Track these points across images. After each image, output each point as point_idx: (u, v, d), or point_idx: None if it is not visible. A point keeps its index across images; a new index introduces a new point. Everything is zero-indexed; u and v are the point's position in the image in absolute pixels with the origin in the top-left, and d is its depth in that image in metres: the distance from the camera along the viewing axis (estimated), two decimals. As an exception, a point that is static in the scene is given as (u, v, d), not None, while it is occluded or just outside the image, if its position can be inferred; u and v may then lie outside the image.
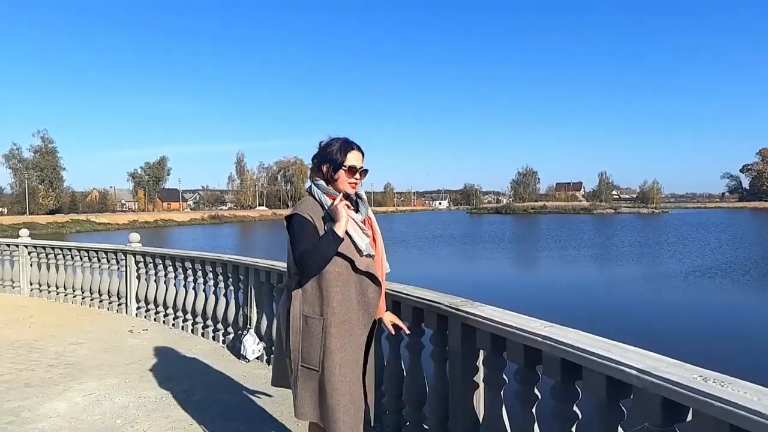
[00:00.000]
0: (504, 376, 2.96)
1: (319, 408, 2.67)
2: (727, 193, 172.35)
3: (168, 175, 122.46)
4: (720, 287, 21.74)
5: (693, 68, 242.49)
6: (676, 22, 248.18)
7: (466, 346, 3.13)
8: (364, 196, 2.86)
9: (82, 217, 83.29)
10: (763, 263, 29.60)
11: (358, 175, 2.75)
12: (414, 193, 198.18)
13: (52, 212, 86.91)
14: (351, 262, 2.64)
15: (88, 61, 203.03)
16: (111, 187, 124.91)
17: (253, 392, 4.86)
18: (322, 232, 2.61)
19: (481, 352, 3.13)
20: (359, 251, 2.66)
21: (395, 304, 3.75)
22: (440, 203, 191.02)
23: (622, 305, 18.14)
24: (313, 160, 2.82)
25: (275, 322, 5.47)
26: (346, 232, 2.63)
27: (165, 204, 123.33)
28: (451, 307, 3.17)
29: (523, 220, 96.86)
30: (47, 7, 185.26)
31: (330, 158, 2.71)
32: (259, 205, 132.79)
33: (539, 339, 2.49)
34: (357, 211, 2.77)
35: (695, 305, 18.26)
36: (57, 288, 9.57)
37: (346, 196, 2.75)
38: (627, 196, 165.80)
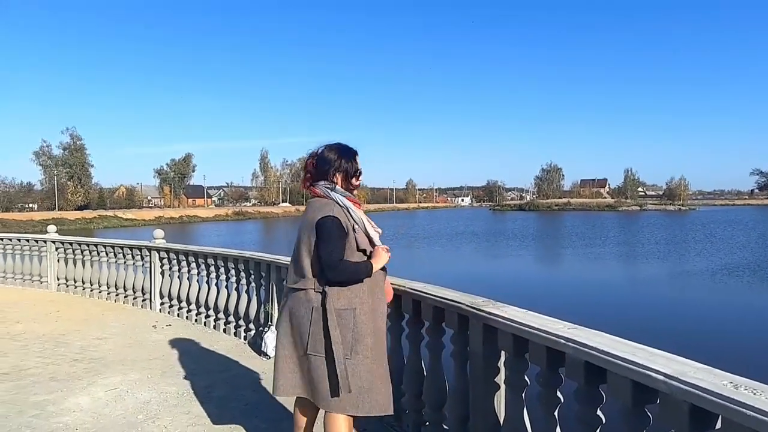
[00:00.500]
0: (526, 378, 2.91)
1: (354, 398, 2.84)
2: (756, 190, 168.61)
3: (193, 171, 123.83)
4: (749, 286, 21.30)
5: (721, 62, 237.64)
6: (703, 16, 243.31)
7: (488, 347, 3.08)
8: None
9: (110, 213, 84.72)
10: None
11: (361, 179, 3.10)
12: (436, 189, 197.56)
13: (80, 208, 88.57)
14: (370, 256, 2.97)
15: (116, 60, 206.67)
16: (138, 183, 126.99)
17: (274, 389, 4.87)
18: (350, 234, 2.86)
19: (503, 353, 3.08)
20: (374, 245, 2.99)
21: (415, 303, 3.71)
22: (462, 200, 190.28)
23: (647, 305, 17.81)
24: (314, 167, 3.02)
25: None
26: (365, 230, 2.95)
27: (190, 200, 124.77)
28: (472, 307, 3.12)
29: (546, 217, 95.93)
30: (74, 8, 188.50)
31: (341, 167, 2.97)
32: (283, 201, 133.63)
33: (562, 341, 2.43)
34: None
35: (724, 305, 17.89)
36: (83, 283, 9.72)
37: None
38: (653, 193, 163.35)
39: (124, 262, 9.01)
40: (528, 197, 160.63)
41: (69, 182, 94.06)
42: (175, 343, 6.45)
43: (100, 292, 9.37)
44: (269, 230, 68.38)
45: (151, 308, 8.40)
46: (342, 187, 2.97)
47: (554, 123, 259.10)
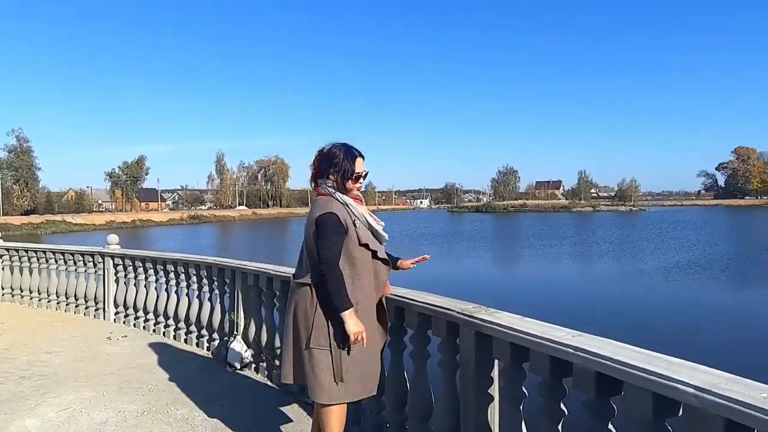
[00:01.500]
0: (524, 389, 2.72)
1: (344, 388, 2.95)
2: (703, 191, 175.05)
3: (146, 174, 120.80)
4: (700, 283, 21.89)
5: (670, 66, 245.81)
6: (655, 22, 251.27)
7: (480, 356, 2.88)
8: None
9: (58, 217, 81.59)
10: (742, 259, 29.97)
11: (362, 180, 3.11)
12: (395, 191, 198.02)
13: (27, 213, 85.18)
14: (374, 251, 3.03)
15: (65, 59, 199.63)
16: (88, 187, 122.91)
17: (243, 402, 4.57)
18: (351, 230, 2.94)
19: (497, 362, 2.89)
20: (380, 238, 3.09)
21: (399, 309, 3.49)
22: (421, 202, 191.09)
23: (605, 302, 18.08)
24: (317, 164, 3.09)
25: (264, 327, 5.23)
26: (369, 224, 3.04)
27: (143, 204, 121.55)
28: (463, 314, 2.92)
29: (503, 219, 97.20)
30: (22, 6, 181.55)
31: (339, 168, 3.01)
32: (239, 204, 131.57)
33: (570, 350, 2.25)
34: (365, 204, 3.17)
35: (678, 302, 18.27)
36: (31, 292, 9.14)
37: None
38: (605, 194, 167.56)
39: (75, 270, 8.50)
40: (485, 199, 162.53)
41: (15, 186, 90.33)
42: (133, 355, 6.06)
43: (49, 301, 8.81)
44: (227, 234, 67.09)
45: (105, 318, 7.93)
46: (336, 186, 3.02)
47: (510, 126, 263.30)
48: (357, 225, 2.97)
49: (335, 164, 3.00)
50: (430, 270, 26.44)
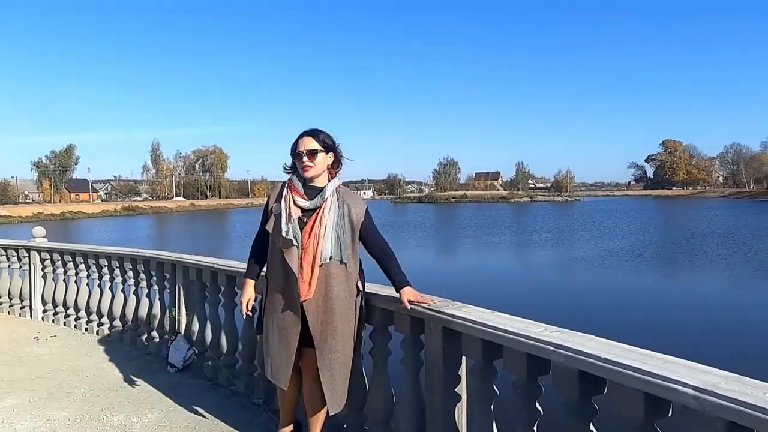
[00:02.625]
0: (495, 388, 2.57)
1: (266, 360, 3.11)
2: (633, 182, 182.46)
3: (76, 164, 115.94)
4: (635, 269, 22.72)
5: (603, 60, 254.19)
6: (589, 13, 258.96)
7: (448, 354, 2.72)
8: (330, 189, 2.96)
9: (-20, 209, 77.08)
10: (671, 245, 31.37)
11: (305, 158, 2.91)
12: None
13: (-57, 204, 79.98)
14: (276, 240, 2.94)
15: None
16: (13, 177, 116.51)
17: (186, 405, 4.25)
18: (272, 208, 3.00)
19: (465, 359, 2.73)
20: (278, 233, 2.91)
21: (359, 304, 3.27)
22: (365, 192, 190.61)
23: (555, 292, 18.44)
24: None
25: (208, 325, 4.91)
26: (280, 213, 2.94)
27: (73, 195, 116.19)
28: (429, 309, 2.74)
29: (445, 209, 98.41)
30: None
31: (291, 149, 3.01)
32: (177, 195, 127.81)
33: (550, 348, 2.10)
34: (311, 199, 2.94)
35: (620, 289, 18.84)
36: (-53, 290, 8.40)
37: (303, 182, 2.99)
38: (542, 185, 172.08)
39: (-3, 265, 7.86)
40: (427, 190, 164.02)
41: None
42: (63, 357, 5.60)
43: (-33, 299, 8.12)
44: (164, 226, 65.00)
45: (31, 317, 7.36)
46: (301, 171, 2.99)
47: (450, 118, 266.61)
48: (275, 209, 2.98)
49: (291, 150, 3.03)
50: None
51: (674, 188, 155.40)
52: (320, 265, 2.87)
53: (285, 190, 3.00)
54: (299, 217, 2.91)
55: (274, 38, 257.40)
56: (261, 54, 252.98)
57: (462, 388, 2.75)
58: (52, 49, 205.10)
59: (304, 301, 2.89)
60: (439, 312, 2.68)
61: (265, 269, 3.15)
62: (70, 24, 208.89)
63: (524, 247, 33.29)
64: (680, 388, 1.66)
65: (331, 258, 2.88)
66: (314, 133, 2.97)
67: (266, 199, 3.12)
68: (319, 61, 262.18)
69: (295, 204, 2.92)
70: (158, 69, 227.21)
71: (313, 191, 2.96)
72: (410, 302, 2.84)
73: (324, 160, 2.96)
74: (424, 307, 2.77)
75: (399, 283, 2.93)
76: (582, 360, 1.98)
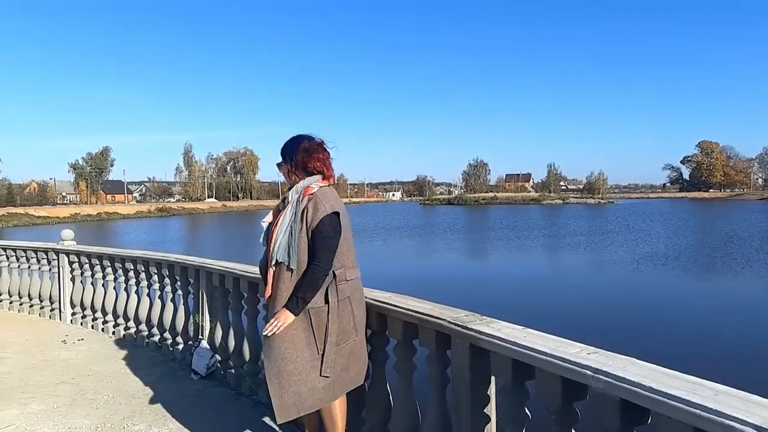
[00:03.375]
0: (527, 411, 2.40)
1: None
2: (668, 184, 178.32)
3: (112, 166, 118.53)
4: (672, 274, 22.06)
5: (636, 61, 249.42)
6: (620, 16, 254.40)
7: (476, 372, 2.55)
8: (293, 192, 2.94)
9: (20, 210, 79.21)
10: (708, 249, 30.46)
11: (279, 170, 3.08)
12: (367, 184, 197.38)
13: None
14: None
15: (26, 47, 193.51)
16: (51, 179, 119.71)
17: (208, 415, 4.16)
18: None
19: (494, 379, 2.56)
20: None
21: (380, 316, 3.14)
22: (393, 194, 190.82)
23: (585, 299, 18.01)
24: None
25: (231, 332, 4.82)
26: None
27: (109, 196, 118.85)
28: (455, 324, 2.58)
29: (475, 211, 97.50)
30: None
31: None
32: (209, 196, 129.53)
33: (588, 372, 1.92)
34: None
35: (652, 297, 18.31)
36: (-19, 292, 8.53)
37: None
38: (574, 187, 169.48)
39: (28, 267, 7.93)
40: (456, 192, 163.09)
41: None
42: (89, 361, 5.59)
43: (0, 301, 8.23)
44: (195, 227, 65.88)
45: (60, 319, 7.41)
46: (295, 175, 3.04)
47: (481, 119, 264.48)
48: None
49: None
50: (408, 266, 26.25)
51: (711, 190, 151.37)
52: (273, 266, 2.88)
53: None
54: (272, 222, 3.00)
55: (305, 40, 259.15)
56: (292, 55, 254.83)
57: (491, 409, 2.59)
58: (88, 53, 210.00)
59: (267, 302, 2.98)
60: (466, 327, 2.52)
61: None
62: (106, 28, 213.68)
63: (557, 251, 32.65)
64: (737, 425, 1.48)
65: (280, 261, 2.84)
66: (283, 146, 3.06)
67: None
68: (349, 62, 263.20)
69: (276, 209, 3.04)
70: (190, 72, 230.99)
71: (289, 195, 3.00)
72: (268, 326, 2.86)
73: (285, 169, 3.02)
74: (450, 322, 2.61)
75: (287, 304, 2.83)
76: (624, 387, 1.80)
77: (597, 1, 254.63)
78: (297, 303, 2.79)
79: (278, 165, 3.05)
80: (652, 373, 1.81)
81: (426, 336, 2.82)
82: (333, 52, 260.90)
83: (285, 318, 2.80)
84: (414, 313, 2.83)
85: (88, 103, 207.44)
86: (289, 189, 2.98)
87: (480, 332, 2.44)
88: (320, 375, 2.85)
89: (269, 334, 2.84)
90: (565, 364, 2.01)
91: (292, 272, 2.82)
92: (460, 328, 2.55)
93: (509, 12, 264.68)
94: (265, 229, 3.00)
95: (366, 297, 3.16)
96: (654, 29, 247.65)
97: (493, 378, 2.56)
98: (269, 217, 3.01)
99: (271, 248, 2.87)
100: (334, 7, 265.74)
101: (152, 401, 4.47)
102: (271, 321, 2.84)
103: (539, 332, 2.35)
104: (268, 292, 2.91)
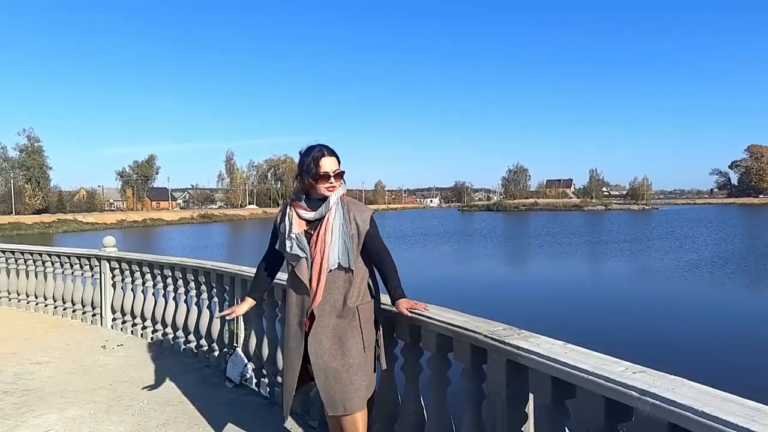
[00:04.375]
0: (567, 431, 2.26)
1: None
2: (716, 189, 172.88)
3: (157, 173, 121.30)
4: (720, 284, 21.24)
5: (679, 65, 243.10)
6: (666, 19, 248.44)
7: (513, 389, 2.43)
8: (334, 198, 2.91)
9: (69, 216, 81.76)
10: (759, 256, 29.28)
11: (332, 180, 2.88)
12: (405, 190, 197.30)
13: (38, 212, 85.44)
14: (289, 260, 2.99)
15: (75, 58, 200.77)
16: (99, 186, 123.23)
17: (241, 424, 4.13)
18: (280, 229, 3.01)
19: (532, 396, 2.43)
20: (283, 249, 2.98)
21: (413, 328, 3.04)
22: (431, 201, 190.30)
23: (630, 311, 17.48)
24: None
25: (265, 340, 4.79)
26: (285, 231, 2.96)
27: (154, 203, 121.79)
28: (492, 338, 2.47)
29: (515, 217, 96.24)
30: (32, 4, 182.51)
31: (307, 169, 2.89)
32: (250, 203, 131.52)
33: (634, 393, 1.79)
34: (314, 209, 2.90)
35: (703, 306, 17.65)
36: (27, 296, 8.77)
37: (308, 200, 2.95)
38: (616, 193, 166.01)
39: (72, 273, 8.11)
40: (495, 198, 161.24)
41: (26, 185, 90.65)
42: (127, 367, 5.65)
43: (45, 306, 8.44)
44: (236, 233, 66.89)
45: (101, 324, 7.54)
46: (312, 186, 2.91)
47: (520, 124, 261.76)
48: (279, 229, 3.02)
49: (305, 167, 2.91)
50: (444, 274, 25.97)
51: (761, 196, 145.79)
52: (328, 271, 2.85)
53: (288, 208, 2.99)
54: (305, 230, 2.91)
55: (345, 49, 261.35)
56: (330, 64, 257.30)
57: (529, 428, 2.46)
58: (134, 64, 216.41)
59: (315, 307, 2.88)
60: (503, 342, 2.40)
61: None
62: (151, 40, 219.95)
63: (599, 260, 31.75)
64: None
65: (339, 265, 2.86)
66: (335, 154, 2.95)
67: (276, 220, 3.10)
68: (388, 69, 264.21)
69: (299, 218, 2.93)
70: (232, 81, 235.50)
71: (316, 203, 2.92)
72: (408, 310, 2.91)
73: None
74: (486, 336, 2.50)
75: (395, 295, 2.96)
76: (673, 411, 1.66)
77: (637, 5, 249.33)
78: (402, 290, 2.97)
79: (341, 174, 2.94)
80: (705, 396, 1.67)
81: (461, 350, 2.71)
82: (370, 60, 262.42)
83: (408, 302, 2.92)
84: (448, 326, 2.73)
85: (135, 113, 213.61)
86: (308, 195, 2.94)
87: (518, 347, 2.31)
88: (374, 371, 2.96)
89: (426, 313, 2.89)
90: (609, 384, 1.88)
91: (350, 274, 2.88)
92: (496, 343, 2.43)
93: (548, 16, 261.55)
94: (295, 238, 2.89)
95: (398, 307, 3.09)
96: (699, 30, 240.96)
97: (531, 395, 2.43)
98: (299, 227, 2.91)
99: (323, 254, 2.84)
100: (367, 15, 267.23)
101: (186, 409, 4.46)
102: (408, 309, 2.91)
103: (581, 348, 2.21)
104: (319, 298, 2.86)
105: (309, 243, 2.88)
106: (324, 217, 2.88)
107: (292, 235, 2.90)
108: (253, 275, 3.14)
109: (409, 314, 2.90)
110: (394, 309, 2.97)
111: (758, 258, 29.51)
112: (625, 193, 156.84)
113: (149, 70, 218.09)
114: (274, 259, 3.20)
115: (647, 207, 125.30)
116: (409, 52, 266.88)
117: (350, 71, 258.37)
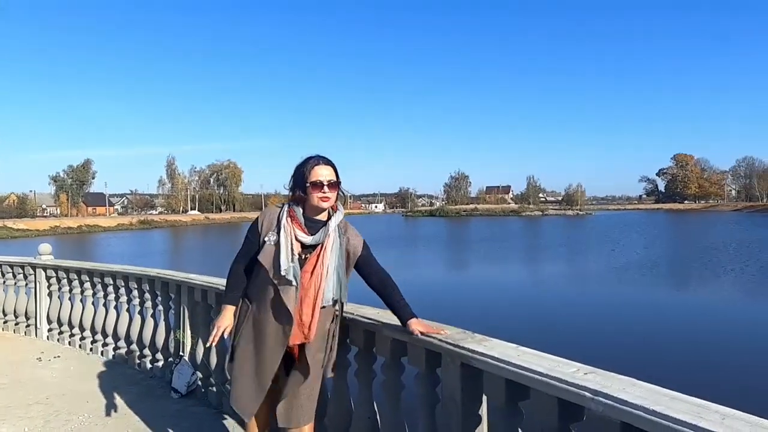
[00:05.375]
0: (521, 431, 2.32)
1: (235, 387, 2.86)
2: (644, 196, 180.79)
3: (93, 178, 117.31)
4: (653, 284, 22.19)
5: (612, 73, 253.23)
6: (592, 28, 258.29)
7: (467, 392, 2.47)
8: (333, 225, 2.76)
9: (-2, 222, 77.75)
10: (685, 259, 30.78)
11: (326, 189, 2.70)
12: (350, 196, 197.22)
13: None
14: (269, 276, 2.67)
15: (6, 57, 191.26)
16: (31, 191, 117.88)
17: (188, 436, 4.03)
18: (262, 239, 2.73)
19: (486, 398, 2.48)
20: (276, 270, 2.65)
21: (368, 333, 3.05)
22: (376, 206, 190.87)
23: (571, 311, 18.01)
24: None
25: (213, 349, 4.68)
26: (278, 246, 2.68)
27: (90, 209, 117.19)
28: (447, 343, 2.51)
29: (456, 223, 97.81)
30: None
31: (298, 180, 2.75)
32: (192, 209, 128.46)
33: (587, 394, 1.86)
34: (312, 233, 2.73)
35: (641, 307, 18.39)
36: (-47, 307, 8.27)
37: (306, 219, 2.76)
38: (552, 199, 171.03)
39: (4, 282, 7.72)
40: (438, 203, 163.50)
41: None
42: (65, 380, 5.41)
43: (-27, 317, 7.98)
44: (178, 240, 65.13)
45: (37, 336, 7.19)
46: (304, 199, 2.75)
47: (461, 132, 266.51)
48: (268, 239, 2.71)
49: (297, 177, 2.76)
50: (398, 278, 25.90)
51: (686, 202, 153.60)
52: (322, 308, 2.72)
53: (285, 219, 2.72)
54: (299, 254, 2.70)
55: (285, 52, 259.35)
56: (271, 66, 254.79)
57: (483, 429, 2.51)
58: (69, 64, 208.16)
59: (302, 343, 2.75)
60: (458, 346, 2.44)
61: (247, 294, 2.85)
62: (89, 39, 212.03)
63: (539, 263, 32.65)
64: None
65: (333, 300, 2.75)
66: (331, 163, 2.79)
67: (256, 221, 2.82)
68: (331, 73, 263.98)
69: (296, 239, 2.70)
70: (173, 85, 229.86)
71: (314, 225, 2.74)
72: (422, 334, 2.65)
73: (337, 192, 2.78)
74: (440, 340, 2.54)
75: (405, 315, 2.75)
76: (625, 411, 1.73)
77: (574, 14, 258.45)
78: (411, 309, 2.78)
79: (336, 184, 2.76)
80: (654, 395, 1.75)
81: (415, 354, 2.74)
82: (312, 64, 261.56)
83: (424, 325, 2.70)
84: (403, 331, 2.75)
85: (71, 116, 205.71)
86: (305, 212, 2.76)
87: (472, 351, 2.36)
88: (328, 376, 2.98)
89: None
90: (563, 386, 1.94)
91: (339, 305, 2.84)
92: (451, 347, 2.47)
93: (488, 22, 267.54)
94: (292, 267, 2.65)
95: (354, 314, 3.10)
96: (629, 42, 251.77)
97: (485, 398, 2.48)
98: (296, 249, 2.70)
99: (318, 289, 2.69)
100: (313, 17, 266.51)
101: (130, 422, 4.32)
102: (425, 330, 2.66)
103: (533, 351, 2.28)
104: (313, 333, 2.71)
105: (301, 269, 2.68)
106: (320, 244, 2.72)
107: (295, 259, 2.67)
108: (226, 279, 2.86)
109: (422, 337, 2.65)
110: (374, 321, 2.94)
111: (685, 261, 31.03)
112: (560, 199, 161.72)
113: (86, 70, 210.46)
114: (249, 265, 2.82)
115: (581, 212, 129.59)
116: (353, 59, 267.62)
117: (294, 74, 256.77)
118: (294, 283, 2.64)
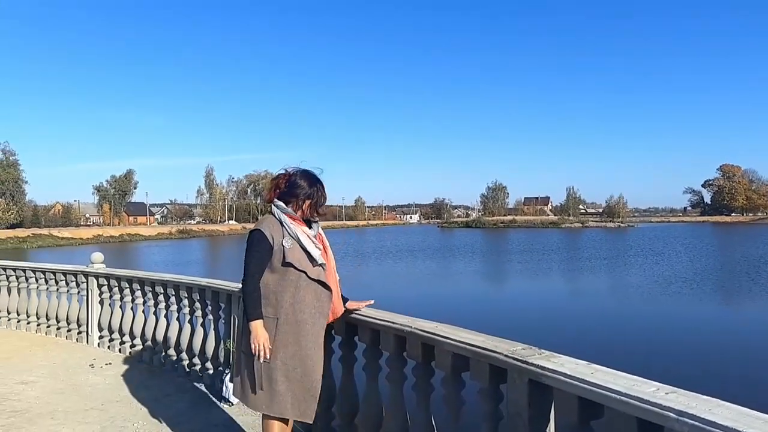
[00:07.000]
0: (592, 453, 2.25)
1: (268, 399, 3.07)
2: (689, 208, 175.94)
3: (135, 188, 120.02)
4: (703, 299, 21.51)
5: (654, 85, 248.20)
6: (640, 40, 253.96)
7: (535, 410, 2.40)
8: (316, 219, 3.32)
9: (44, 231, 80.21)
10: (735, 273, 29.78)
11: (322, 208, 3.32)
12: (385, 206, 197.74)
13: (12, 226, 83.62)
14: (304, 271, 3.09)
15: (53, 71, 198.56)
16: (75, 200, 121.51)
17: (240, 446, 4.05)
18: (277, 247, 3.07)
19: (554, 414, 2.42)
20: (313, 261, 3.11)
21: (426, 347, 3.01)
22: (411, 217, 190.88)
23: (622, 326, 17.60)
24: (285, 187, 3.21)
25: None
26: (302, 245, 3.10)
27: (131, 218, 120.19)
28: (513, 358, 2.45)
29: (493, 234, 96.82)
30: (7, 16, 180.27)
31: (311, 196, 3.20)
32: (229, 219, 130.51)
33: (671, 414, 1.78)
34: (309, 227, 3.22)
35: (684, 318, 17.86)
36: (9, 313, 8.55)
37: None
38: (593, 211, 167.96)
39: (57, 290, 7.93)
40: (474, 215, 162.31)
41: (0, 199, 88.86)
42: (117, 387, 5.51)
43: (28, 323, 8.23)
44: (216, 249, 66.17)
45: (88, 342, 7.37)
46: (308, 214, 3.21)
47: (499, 142, 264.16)
48: (287, 244, 3.06)
49: (308, 193, 3.19)
50: (432, 290, 25.85)
51: (733, 214, 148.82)
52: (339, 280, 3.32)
53: (290, 223, 3.13)
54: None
55: (326, 66, 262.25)
56: (311, 81, 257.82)
57: (551, 449, 2.44)
58: (113, 78, 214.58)
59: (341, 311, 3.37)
60: (525, 362, 2.38)
61: (272, 310, 3.10)
62: (130, 53, 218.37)
63: (583, 275, 32.00)
64: None
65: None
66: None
67: (262, 234, 3.10)
68: (368, 86, 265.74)
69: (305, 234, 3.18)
70: (213, 96, 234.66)
71: (306, 221, 3.23)
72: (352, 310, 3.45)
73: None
74: (506, 356, 2.48)
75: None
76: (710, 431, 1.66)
77: (620, 26, 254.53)
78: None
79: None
80: (746, 418, 1.67)
81: (478, 370, 2.68)
82: (351, 79, 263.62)
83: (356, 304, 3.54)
84: (466, 346, 2.71)
85: (114, 128, 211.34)
86: (307, 219, 3.26)
87: (541, 367, 2.30)
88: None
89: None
90: (644, 405, 1.87)
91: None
92: (518, 362, 2.42)
93: (530, 36, 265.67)
94: (317, 249, 3.17)
95: (410, 326, 3.08)
96: (675, 50, 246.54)
97: (552, 415, 2.42)
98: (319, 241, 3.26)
99: (333, 268, 3.28)
100: (347, 33, 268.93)
101: (183, 429, 4.37)
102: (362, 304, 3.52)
103: (606, 368, 2.21)
104: (339, 308, 3.36)
105: None
106: (318, 233, 3.27)
107: (319, 246, 3.19)
108: (249, 297, 3.04)
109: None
110: (432, 334, 2.95)
111: (733, 274, 30.04)
112: (601, 210, 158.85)
113: (129, 84, 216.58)
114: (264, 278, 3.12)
115: (623, 224, 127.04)
116: (389, 71, 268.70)
117: (331, 88, 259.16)
118: (323, 262, 3.17)
